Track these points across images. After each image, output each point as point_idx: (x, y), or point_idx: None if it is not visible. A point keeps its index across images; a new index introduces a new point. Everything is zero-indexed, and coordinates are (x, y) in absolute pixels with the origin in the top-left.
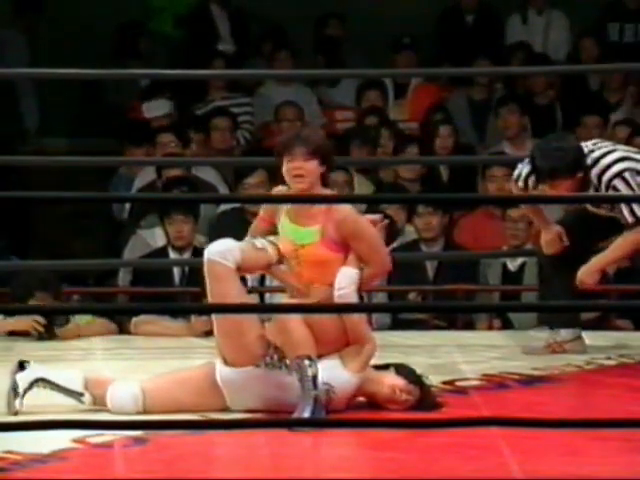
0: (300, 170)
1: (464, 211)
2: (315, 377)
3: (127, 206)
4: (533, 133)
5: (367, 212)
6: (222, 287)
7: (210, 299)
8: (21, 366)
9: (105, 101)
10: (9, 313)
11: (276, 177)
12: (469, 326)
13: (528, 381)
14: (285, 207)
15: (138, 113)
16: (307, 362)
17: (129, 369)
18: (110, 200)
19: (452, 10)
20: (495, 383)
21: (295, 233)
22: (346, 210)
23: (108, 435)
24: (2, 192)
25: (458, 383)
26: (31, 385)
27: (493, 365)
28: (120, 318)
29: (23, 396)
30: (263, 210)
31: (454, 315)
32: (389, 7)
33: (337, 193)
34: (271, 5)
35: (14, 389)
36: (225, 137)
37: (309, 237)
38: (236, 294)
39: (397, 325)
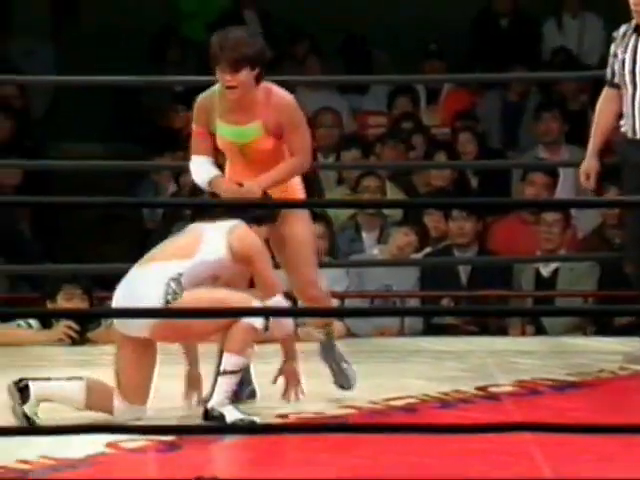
0: (231, 82)
1: (497, 216)
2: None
3: (159, 211)
4: (565, 139)
5: (404, 217)
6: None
7: None
8: (20, 391)
9: (140, 106)
10: (42, 317)
11: (309, 185)
12: (502, 332)
13: (561, 387)
14: (217, 110)
15: (168, 120)
16: (331, 327)
17: (159, 374)
18: (138, 205)
19: (486, 13)
20: (528, 389)
21: (235, 134)
22: (288, 98)
23: (141, 440)
24: (32, 197)
25: (490, 389)
26: (38, 404)
27: (526, 371)
28: None
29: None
30: (196, 124)
31: (486, 321)
32: (420, 11)
33: (370, 197)
34: (301, 10)
35: (27, 420)
36: None
37: (252, 134)
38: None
39: (430, 330)
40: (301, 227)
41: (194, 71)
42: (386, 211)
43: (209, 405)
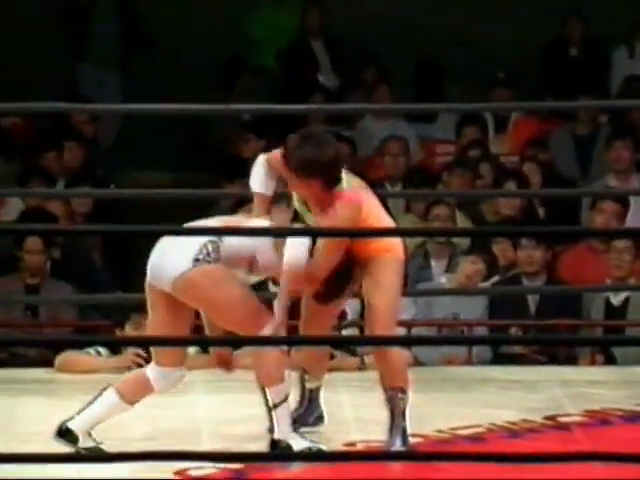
0: (292, 186)
1: (566, 245)
2: (404, 411)
3: None
4: (636, 167)
5: (472, 246)
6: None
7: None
8: (63, 436)
9: (209, 135)
10: (111, 345)
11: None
12: (571, 361)
13: (632, 417)
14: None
15: (237, 149)
16: (400, 395)
17: (228, 402)
18: (205, 232)
19: (556, 42)
20: (598, 419)
21: (301, 208)
22: (338, 220)
23: (209, 468)
24: (105, 226)
25: (560, 419)
26: (89, 434)
27: (596, 401)
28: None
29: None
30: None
31: (556, 350)
32: (489, 40)
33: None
34: (369, 37)
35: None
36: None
37: (310, 221)
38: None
39: (498, 360)
40: (390, 273)
41: (264, 99)
42: (455, 239)
43: (275, 437)
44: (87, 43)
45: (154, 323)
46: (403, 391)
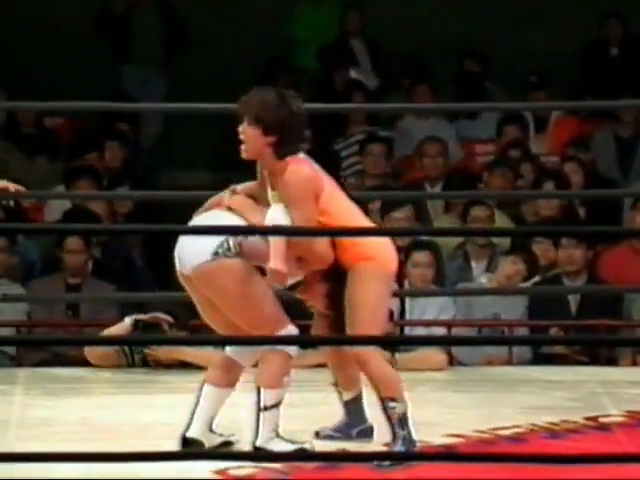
0: (242, 135)
1: (608, 245)
2: (402, 417)
3: None
4: None
5: (512, 246)
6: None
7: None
8: (188, 445)
9: None
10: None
11: (420, 212)
12: (612, 362)
13: None
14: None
15: None
16: (391, 404)
17: None
18: (243, 232)
19: (597, 42)
20: (639, 420)
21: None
22: (291, 176)
23: (249, 467)
24: (144, 225)
25: (601, 419)
26: (213, 432)
27: (637, 402)
28: None
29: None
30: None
31: (596, 350)
32: (529, 41)
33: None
34: (410, 39)
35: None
36: (379, 163)
37: (274, 199)
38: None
39: (538, 360)
40: (365, 285)
41: (304, 99)
42: (495, 240)
43: (257, 444)
44: (130, 43)
45: (199, 306)
46: (393, 400)
